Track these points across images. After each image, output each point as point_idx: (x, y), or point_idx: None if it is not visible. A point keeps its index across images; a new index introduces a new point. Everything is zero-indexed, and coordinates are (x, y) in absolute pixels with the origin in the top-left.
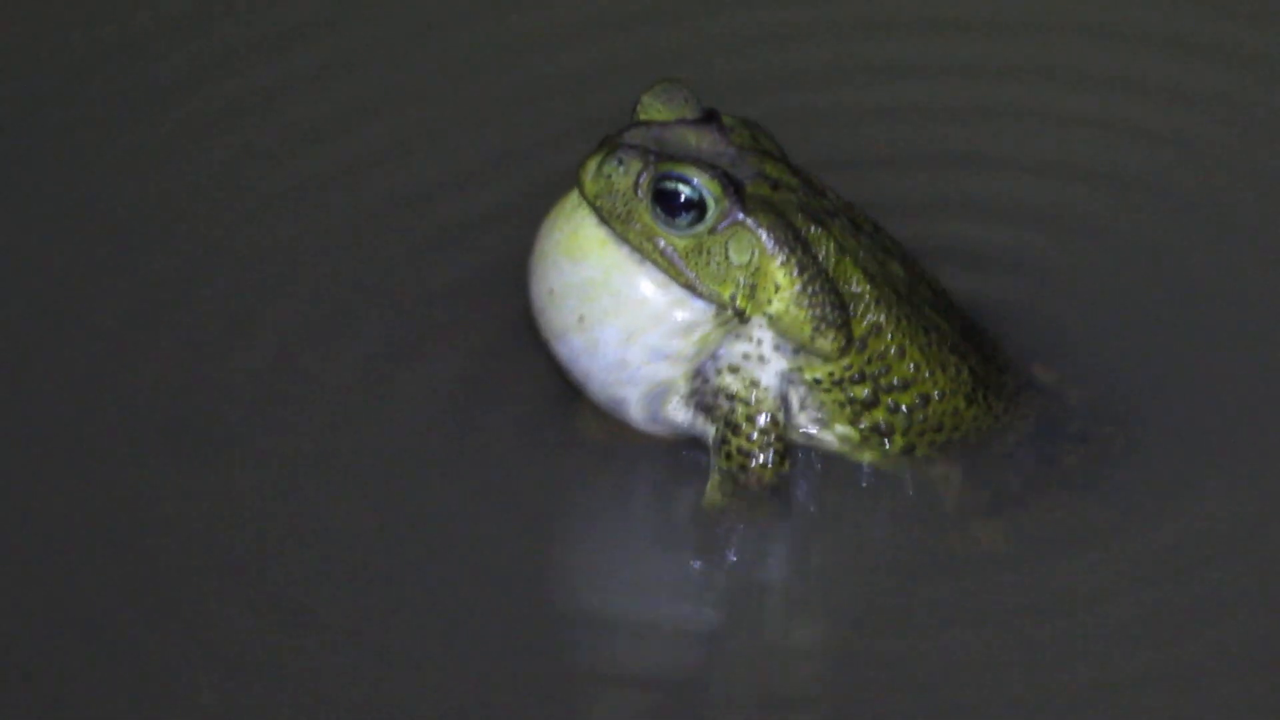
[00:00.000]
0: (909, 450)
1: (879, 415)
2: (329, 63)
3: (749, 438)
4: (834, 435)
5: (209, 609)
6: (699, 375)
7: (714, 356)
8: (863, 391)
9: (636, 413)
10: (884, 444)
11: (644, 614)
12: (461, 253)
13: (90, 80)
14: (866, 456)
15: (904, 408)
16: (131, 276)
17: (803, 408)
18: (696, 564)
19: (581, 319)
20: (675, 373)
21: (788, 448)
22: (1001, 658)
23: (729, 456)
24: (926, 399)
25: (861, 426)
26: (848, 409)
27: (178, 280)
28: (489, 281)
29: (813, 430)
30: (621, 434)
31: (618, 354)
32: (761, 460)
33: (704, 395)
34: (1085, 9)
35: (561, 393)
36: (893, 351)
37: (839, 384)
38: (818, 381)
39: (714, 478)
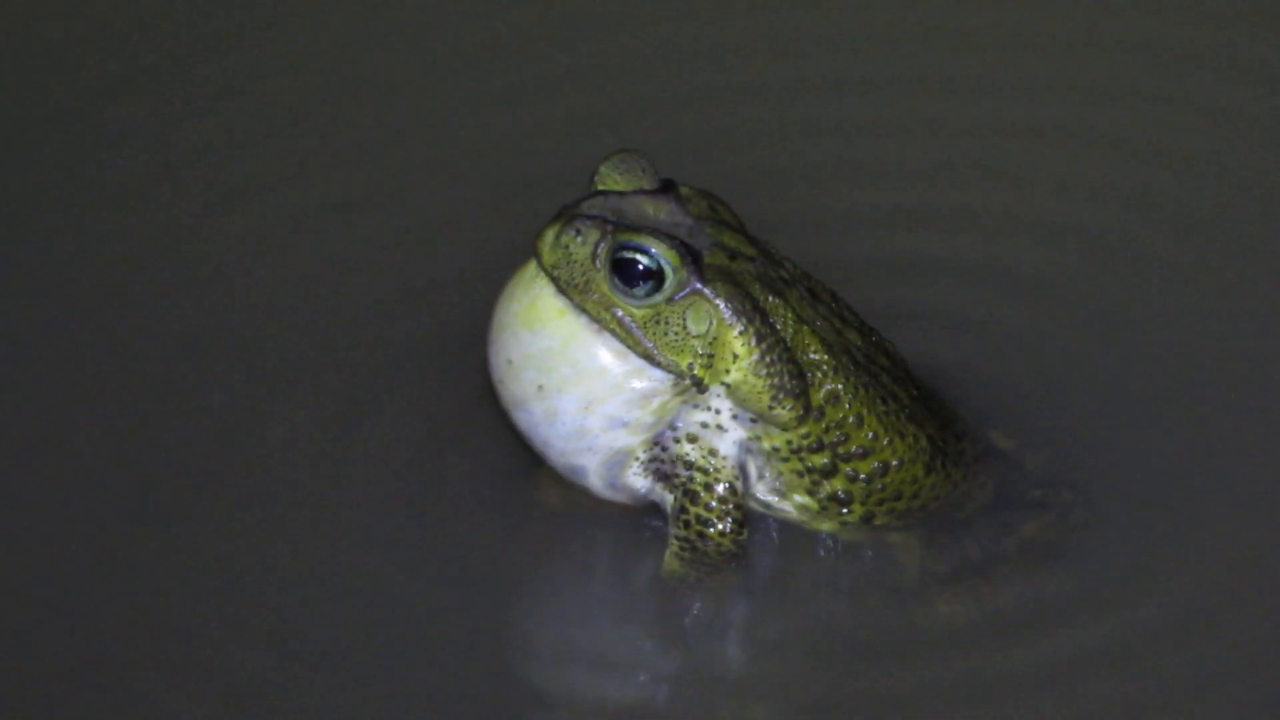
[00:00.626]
0: (868, 519)
1: (837, 484)
2: (277, 119)
3: (707, 506)
4: (792, 505)
5: (150, 683)
6: (657, 444)
7: (672, 426)
8: (821, 460)
9: (595, 480)
10: (842, 513)
11: (600, 684)
12: (413, 316)
13: (36, 136)
14: (825, 526)
15: (862, 476)
16: (80, 335)
17: (760, 477)
18: (654, 632)
19: (540, 388)
20: (634, 440)
21: (746, 516)
22: None
23: (687, 525)
24: (885, 467)
25: (820, 496)
26: (806, 478)
27: (128, 341)
28: (442, 346)
29: (771, 500)
30: (580, 502)
31: (576, 422)
32: (720, 528)
33: (662, 463)
34: (1044, 65)
35: (520, 461)
36: (851, 420)
37: (797, 453)
38: (775, 450)
39: (672, 546)
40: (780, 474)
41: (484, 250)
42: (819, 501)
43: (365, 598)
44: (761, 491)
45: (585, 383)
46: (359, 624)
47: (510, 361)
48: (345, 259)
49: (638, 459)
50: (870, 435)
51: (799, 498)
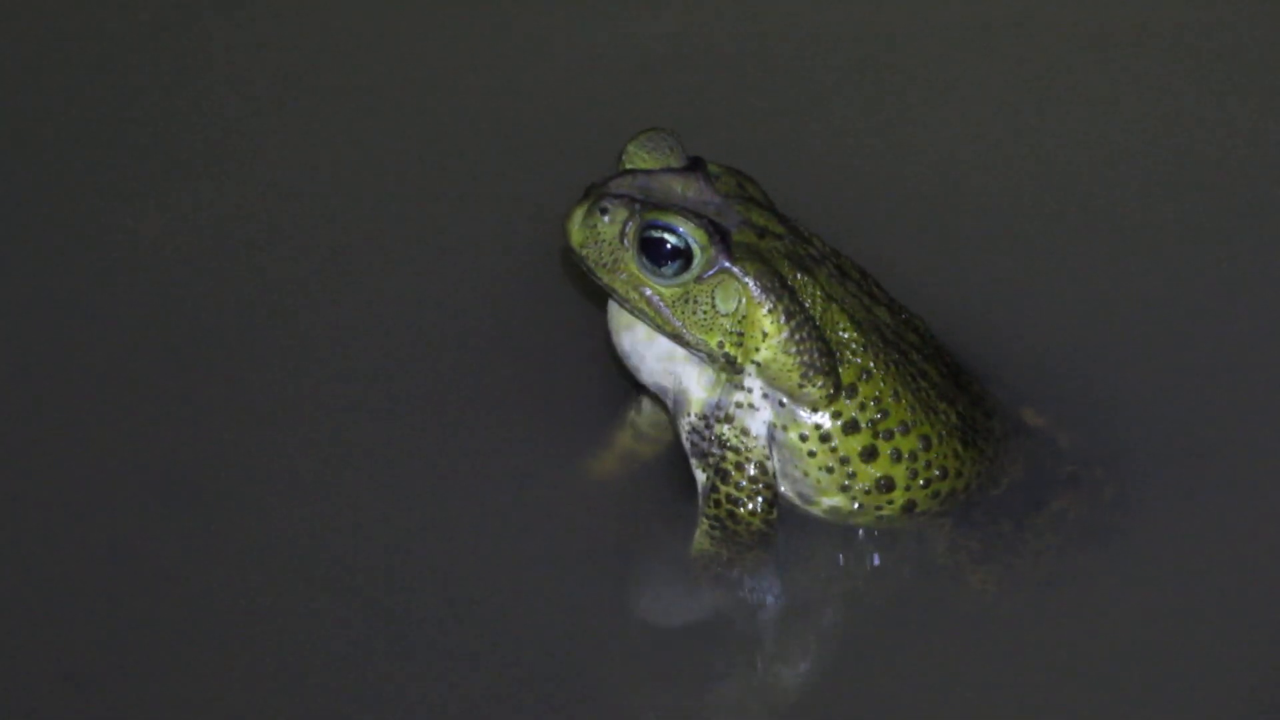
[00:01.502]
0: (910, 508)
1: (878, 469)
2: (308, 94)
3: (737, 485)
4: (821, 510)
5: (210, 669)
6: (704, 418)
7: (719, 404)
8: (858, 444)
9: (670, 404)
10: (879, 509)
11: (628, 658)
12: (451, 286)
13: (79, 133)
14: (861, 521)
15: (906, 454)
16: (128, 326)
17: (785, 475)
18: (682, 609)
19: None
20: (698, 391)
21: (776, 496)
22: (991, 699)
23: (717, 504)
24: (928, 442)
25: (856, 491)
26: (837, 473)
27: (174, 327)
28: (481, 319)
29: (796, 504)
30: (623, 472)
31: (668, 346)
32: (750, 507)
33: (702, 439)
34: (1094, 39)
35: (556, 440)
36: (889, 396)
37: (826, 441)
38: (802, 440)
39: (702, 525)
40: (807, 474)
41: (508, 219)
42: (854, 498)
43: (401, 577)
44: (790, 496)
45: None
46: (391, 603)
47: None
48: (379, 238)
49: (689, 417)
50: (909, 409)
51: (829, 500)
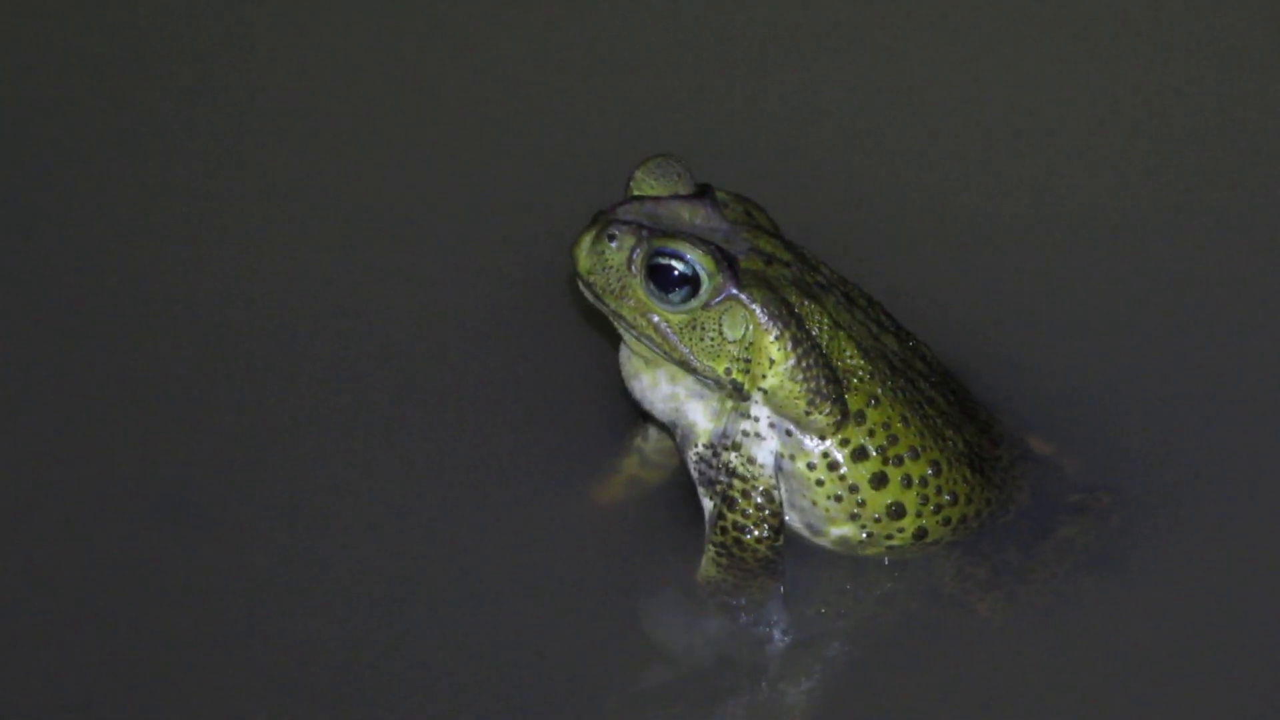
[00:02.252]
0: (920, 535)
1: (887, 496)
2: (310, 109)
3: (744, 513)
4: (829, 541)
5: (210, 685)
6: (711, 447)
7: (725, 433)
8: (867, 472)
9: (679, 436)
10: (889, 538)
11: (633, 685)
12: (452, 312)
13: (91, 152)
14: (870, 552)
15: (916, 479)
16: (110, 331)
17: (794, 506)
18: (688, 636)
19: (646, 362)
20: (703, 422)
21: (783, 523)
22: None
23: (724, 531)
24: (938, 467)
25: (865, 519)
26: (846, 501)
27: (161, 337)
28: (486, 342)
29: (804, 535)
30: (630, 498)
31: (670, 389)
32: (756, 534)
33: (710, 467)
34: (1092, 61)
35: (568, 457)
36: (897, 422)
37: (834, 469)
38: (810, 469)
39: (709, 552)
40: (815, 503)
41: (517, 251)
42: (863, 526)
43: (404, 598)
44: (798, 527)
45: (669, 363)
46: (395, 625)
47: (631, 348)
48: (382, 264)
49: (697, 448)
50: (918, 435)
51: (838, 530)
